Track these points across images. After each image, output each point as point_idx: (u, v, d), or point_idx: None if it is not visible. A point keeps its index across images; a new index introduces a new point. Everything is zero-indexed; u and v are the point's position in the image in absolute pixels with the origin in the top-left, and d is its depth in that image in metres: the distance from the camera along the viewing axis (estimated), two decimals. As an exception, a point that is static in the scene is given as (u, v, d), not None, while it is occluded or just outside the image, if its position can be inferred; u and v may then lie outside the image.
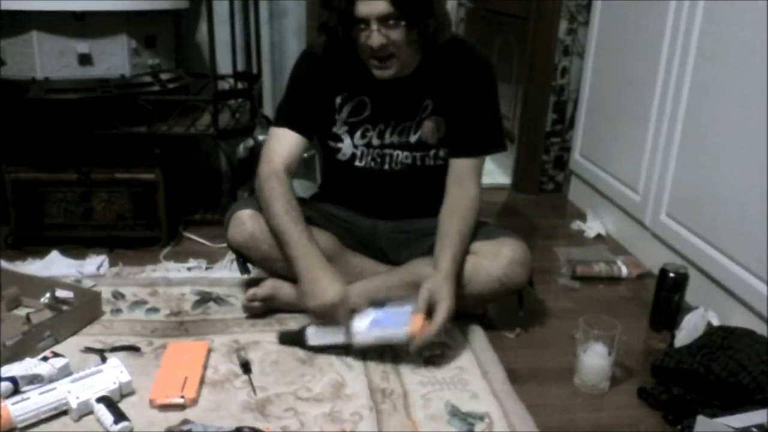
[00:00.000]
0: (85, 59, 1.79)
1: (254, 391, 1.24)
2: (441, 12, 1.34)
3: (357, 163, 1.50)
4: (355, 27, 1.30)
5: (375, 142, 1.48)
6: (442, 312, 1.26)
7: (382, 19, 1.27)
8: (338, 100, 1.46)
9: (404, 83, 1.41)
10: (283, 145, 1.45)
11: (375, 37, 1.28)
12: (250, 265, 1.56)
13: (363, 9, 1.26)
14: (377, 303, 1.35)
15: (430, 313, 1.27)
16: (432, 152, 1.49)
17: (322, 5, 1.35)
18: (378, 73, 1.36)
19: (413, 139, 1.47)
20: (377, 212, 1.57)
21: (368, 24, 1.28)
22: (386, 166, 1.50)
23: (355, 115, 1.47)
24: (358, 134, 1.48)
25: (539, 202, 2.48)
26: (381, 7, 1.25)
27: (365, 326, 1.30)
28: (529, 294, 1.53)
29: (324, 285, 1.31)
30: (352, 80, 1.44)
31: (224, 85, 2.21)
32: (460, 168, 1.46)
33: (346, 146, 1.49)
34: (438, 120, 1.45)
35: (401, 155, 1.49)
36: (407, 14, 1.27)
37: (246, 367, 1.31)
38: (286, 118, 1.47)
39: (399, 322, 1.28)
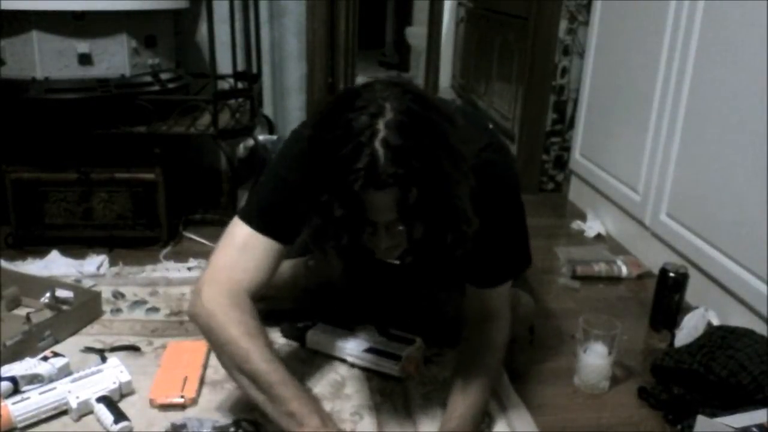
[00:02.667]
0: (85, 59, 1.79)
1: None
2: (462, 221, 0.98)
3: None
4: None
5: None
6: None
7: (390, 226, 0.98)
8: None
9: None
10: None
11: (383, 240, 1.00)
12: None
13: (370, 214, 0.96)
14: (382, 329, 1.38)
15: None
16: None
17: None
18: (381, 256, 1.06)
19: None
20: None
21: (374, 227, 0.99)
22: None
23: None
24: None
25: (539, 201, 2.48)
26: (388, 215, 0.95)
27: (361, 350, 1.33)
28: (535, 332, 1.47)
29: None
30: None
31: (224, 84, 2.21)
32: (482, 300, 1.22)
33: None
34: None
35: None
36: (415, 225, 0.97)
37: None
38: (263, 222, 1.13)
39: (394, 357, 1.31)
